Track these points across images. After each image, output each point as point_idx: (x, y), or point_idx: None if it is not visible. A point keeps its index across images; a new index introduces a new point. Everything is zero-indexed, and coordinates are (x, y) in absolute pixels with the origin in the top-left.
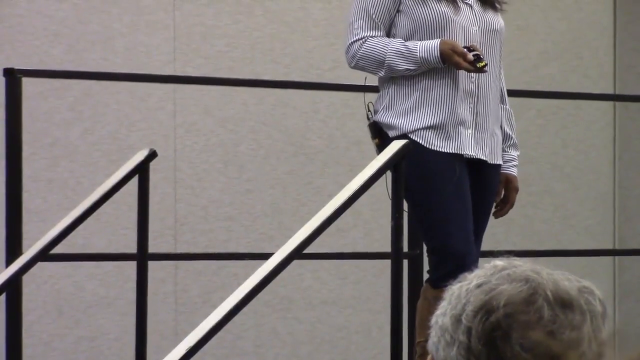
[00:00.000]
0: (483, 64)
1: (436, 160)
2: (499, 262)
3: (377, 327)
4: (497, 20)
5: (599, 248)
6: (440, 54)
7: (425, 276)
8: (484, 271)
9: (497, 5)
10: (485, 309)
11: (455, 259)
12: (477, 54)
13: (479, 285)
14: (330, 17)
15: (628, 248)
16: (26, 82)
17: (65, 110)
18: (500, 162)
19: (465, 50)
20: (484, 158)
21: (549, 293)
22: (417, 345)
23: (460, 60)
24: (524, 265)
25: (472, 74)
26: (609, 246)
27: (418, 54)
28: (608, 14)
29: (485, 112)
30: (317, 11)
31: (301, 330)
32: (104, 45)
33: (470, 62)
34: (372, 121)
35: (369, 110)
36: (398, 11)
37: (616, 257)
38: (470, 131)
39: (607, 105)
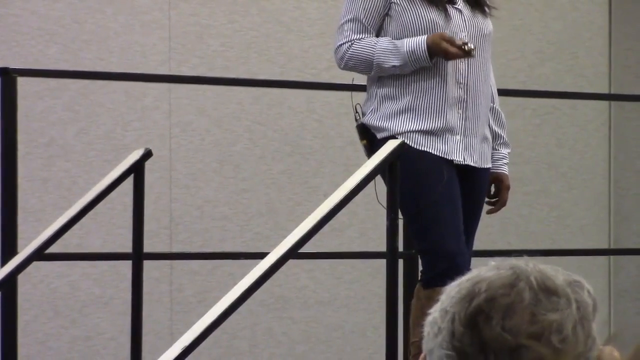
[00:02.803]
0: (471, 47)
1: (425, 161)
2: (493, 262)
3: (373, 327)
4: (486, 24)
5: (594, 248)
6: (427, 45)
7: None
8: (477, 269)
9: (486, 10)
10: (469, 296)
11: (447, 260)
12: (463, 41)
13: (468, 279)
14: (325, 17)
15: (623, 248)
16: (21, 81)
17: (61, 110)
18: (490, 165)
19: (452, 37)
20: (472, 164)
21: (532, 279)
22: (412, 345)
23: (447, 45)
24: (514, 259)
25: (459, 79)
26: (605, 246)
27: (404, 47)
28: (603, 14)
29: (475, 117)
30: (312, 11)
31: (296, 330)
32: (99, 44)
33: (458, 47)
34: (360, 123)
35: (356, 112)
36: (387, 15)
37: (611, 257)
38: (458, 137)
39: (602, 105)
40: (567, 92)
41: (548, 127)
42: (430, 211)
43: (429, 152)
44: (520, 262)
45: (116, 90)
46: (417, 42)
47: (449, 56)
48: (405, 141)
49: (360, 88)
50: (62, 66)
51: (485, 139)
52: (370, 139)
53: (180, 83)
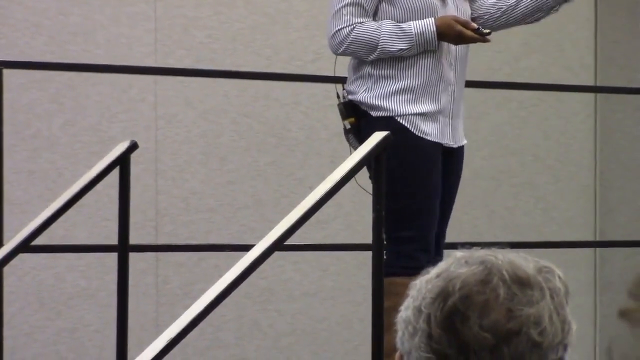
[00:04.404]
0: (488, 30)
1: (423, 146)
2: (459, 252)
3: (358, 319)
4: (468, 8)
5: (580, 240)
6: (437, 27)
7: None
8: (445, 262)
9: None
10: (443, 295)
11: (428, 252)
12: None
13: (438, 275)
14: (312, 9)
15: (609, 240)
16: (7, 73)
17: (47, 102)
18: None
19: (467, 19)
20: (455, 146)
21: (504, 272)
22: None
23: (463, 29)
24: (481, 251)
25: (452, 61)
26: (590, 238)
27: (413, 30)
28: (589, 6)
29: (459, 99)
30: (298, 3)
31: (282, 322)
32: (85, 36)
33: (474, 30)
34: (346, 100)
35: (344, 89)
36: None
37: (597, 249)
38: (448, 119)
39: (588, 97)
40: (553, 84)
41: (534, 120)
42: (425, 199)
43: (427, 139)
44: (490, 255)
45: (102, 82)
46: (426, 25)
47: (463, 40)
48: (404, 124)
49: (345, 80)
50: (48, 58)
51: (461, 118)
52: (359, 117)
53: (166, 75)
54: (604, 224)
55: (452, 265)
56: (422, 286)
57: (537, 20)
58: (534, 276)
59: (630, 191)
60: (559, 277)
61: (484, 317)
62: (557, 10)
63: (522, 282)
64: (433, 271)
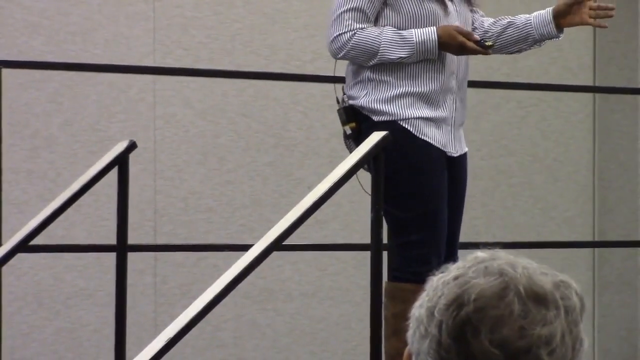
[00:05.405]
0: (490, 43)
1: (427, 149)
2: (480, 253)
3: (357, 319)
4: (470, 15)
5: (578, 240)
6: (439, 37)
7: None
8: (465, 263)
9: (472, 1)
10: (457, 303)
11: (439, 255)
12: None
13: (455, 278)
14: (310, 9)
15: (607, 240)
16: (6, 73)
17: (45, 102)
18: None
19: (470, 31)
20: (456, 155)
21: (521, 288)
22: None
23: (465, 40)
24: (502, 258)
25: (454, 69)
26: (589, 238)
27: (414, 38)
28: None
29: (462, 107)
30: (297, 3)
31: (281, 322)
32: (84, 36)
33: (476, 42)
34: (347, 105)
35: (344, 94)
36: (385, 4)
37: (596, 249)
38: (450, 127)
39: (587, 97)
40: (552, 84)
41: (532, 119)
42: (431, 204)
43: (431, 143)
44: (509, 266)
45: (101, 82)
46: (428, 33)
47: (465, 50)
48: (407, 127)
49: (344, 80)
50: (47, 58)
51: (462, 125)
52: (359, 122)
53: (165, 75)
54: (603, 223)
55: (471, 270)
56: (439, 286)
57: (519, 51)
58: (551, 293)
59: (629, 191)
60: (576, 293)
61: (495, 332)
62: (540, 45)
63: (538, 299)
64: (452, 271)
